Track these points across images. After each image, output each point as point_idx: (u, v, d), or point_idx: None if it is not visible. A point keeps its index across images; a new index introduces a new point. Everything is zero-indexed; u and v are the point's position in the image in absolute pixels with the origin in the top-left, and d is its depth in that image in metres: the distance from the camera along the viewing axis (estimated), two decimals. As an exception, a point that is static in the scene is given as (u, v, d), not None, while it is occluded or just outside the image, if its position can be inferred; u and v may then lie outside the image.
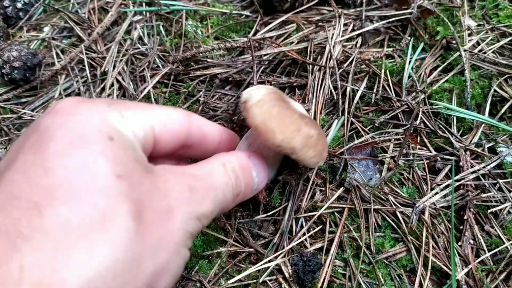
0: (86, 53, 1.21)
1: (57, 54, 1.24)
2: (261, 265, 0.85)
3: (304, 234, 0.90)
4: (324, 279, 0.84)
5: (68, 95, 1.17)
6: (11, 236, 0.38)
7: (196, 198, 0.55)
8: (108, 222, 0.42)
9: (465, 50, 1.08)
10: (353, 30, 1.21)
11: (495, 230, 0.88)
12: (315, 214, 0.91)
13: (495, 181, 0.93)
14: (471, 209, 0.90)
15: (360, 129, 1.01)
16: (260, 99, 0.71)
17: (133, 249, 0.43)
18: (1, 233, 0.38)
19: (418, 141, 1.00)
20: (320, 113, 1.02)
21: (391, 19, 1.21)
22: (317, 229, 0.91)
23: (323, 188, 0.95)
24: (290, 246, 0.87)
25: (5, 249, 0.37)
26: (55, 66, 1.20)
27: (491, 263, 0.86)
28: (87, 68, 1.18)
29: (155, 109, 0.61)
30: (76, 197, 0.41)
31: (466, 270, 0.84)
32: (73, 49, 1.23)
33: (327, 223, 0.91)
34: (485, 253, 0.86)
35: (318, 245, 0.90)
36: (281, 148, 0.68)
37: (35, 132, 0.47)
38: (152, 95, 1.10)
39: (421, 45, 1.15)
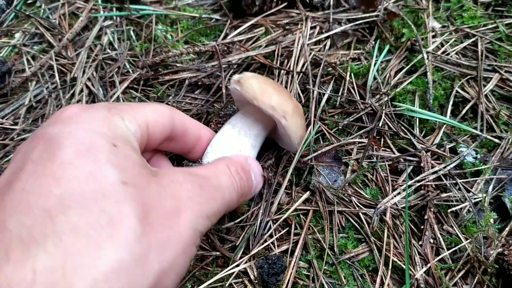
0: (56, 59, 1.21)
1: (27, 60, 1.24)
2: (228, 270, 0.86)
3: (270, 237, 0.92)
4: (289, 280, 0.86)
5: (38, 101, 1.17)
6: (25, 242, 0.40)
7: (205, 196, 0.58)
8: (115, 226, 0.44)
9: (428, 52, 1.11)
10: (321, 32, 1.23)
11: (454, 229, 0.91)
12: (281, 217, 0.93)
13: (455, 181, 0.95)
14: (431, 209, 0.92)
15: (326, 132, 1.03)
16: (253, 75, 0.81)
17: (138, 248, 0.45)
18: (16, 240, 0.41)
19: (382, 143, 1.02)
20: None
21: (358, 22, 1.23)
22: (283, 231, 0.93)
23: (289, 191, 0.97)
24: (256, 250, 0.89)
25: (19, 255, 0.40)
26: (25, 73, 1.20)
27: (450, 261, 0.88)
28: (56, 74, 1.18)
29: (145, 107, 0.64)
30: (85, 205, 0.44)
31: (425, 268, 0.86)
32: (43, 55, 1.23)
33: (293, 225, 0.93)
34: (445, 252, 0.89)
35: (284, 247, 0.91)
36: (274, 111, 0.75)
37: (42, 141, 0.50)
38: (121, 101, 1.11)
39: (387, 47, 1.17)
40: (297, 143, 0.85)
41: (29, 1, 1.38)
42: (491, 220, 0.88)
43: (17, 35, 1.32)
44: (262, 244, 0.90)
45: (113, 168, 0.48)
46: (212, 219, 0.60)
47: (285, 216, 0.92)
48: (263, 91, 0.76)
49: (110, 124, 0.55)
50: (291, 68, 1.09)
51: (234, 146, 0.81)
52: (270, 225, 0.93)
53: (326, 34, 1.21)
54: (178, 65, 1.17)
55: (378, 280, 0.86)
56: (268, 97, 0.75)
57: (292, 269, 0.87)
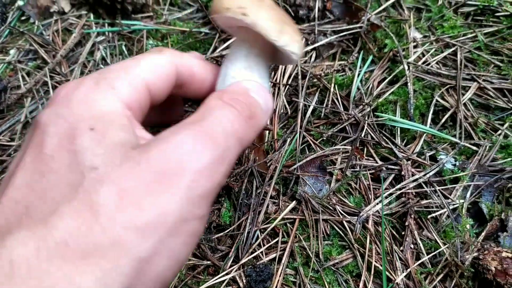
0: (50, 76, 1.25)
1: (22, 77, 1.28)
2: (218, 278, 0.91)
3: (259, 246, 0.96)
4: (276, 287, 0.91)
5: (34, 117, 1.21)
6: (1, 232, 0.42)
7: (198, 147, 0.49)
8: (93, 213, 0.44)
9: (408, 63, 1.15)
10: (307, 44, 1.27)
11: (433, 234, 0.95)
12: (269, 226, 0.97)
13: (436, 188, 0.99)
14: (412, 215, 0.96)
15: (311, 142, 1.07)
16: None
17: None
18: None
19: (365, 152, 1.06)
20: (274, 126, 1.08)
21: (343, 33, 1.27)
22: (271, 240, 0.98)
23: (276, 200, 1.01)
24: (245, 259, 0.93)
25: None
26: (20, 89, 1.24)
27: (430, 265, 0.93)
28: (51, 90, 1.22)
29: (142, 64, 0.59)
30: (56, 198, 0.45)
31: (405, 273, 0.91)
32: (38, 72, 1.27)
33: (280, 234, 0.97)
34: (425, 256, 0.93)
35: (272, 255, 0.96)
36: (229, 11, 0.64)
37: (35, 129, 0.51)
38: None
39: (370, 58, 1.21)
40: (279, 39, 0.67)
41: (23, 18, 1.42)
42: (467, 226, 0.93)
43: (11, 52, 1.35)
44: (251, 253, 0.95)
45: (86, 153, 0.47)
46: (215, 170, 0.50)
47: (272, 225, 0.97)
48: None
49: (92, 102, 0.52)
50: (278, 81, 1.13)
51: (229, 75, 0.71)
52: (258, 235, 0.97)
53: (312, 46, 1.25)
54: (168, 79, 1.21)
55: (361, 285, 0.91)
56: (221, 1, 0.66)
57: (280, 276, 0.92)
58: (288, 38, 0.68)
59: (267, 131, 1.06)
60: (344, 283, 0.92)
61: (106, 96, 0.54)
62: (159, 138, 0.50)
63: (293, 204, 1.00)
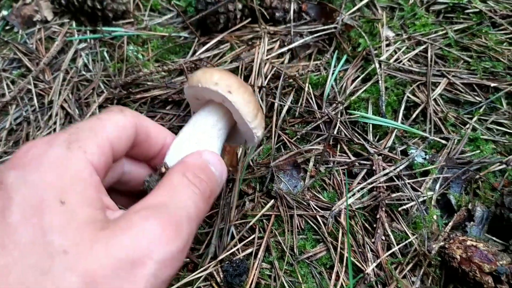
0: (34, 84, 1.28)
1: (7, 85, 1.31)
2: (196, 274, 0.94)
3: (236, 242, 0.99)
4: (252, 280, 0.94)
5: (19, 124, 1.24)
6: None
7: (165, 238, 0.51)
8: None
9: (380, 61, 1.18)
10: (283, 45, 1.30)
11: (403, 226, 0.98)
12: (246, 223, 1.00)
13: (405, 181, 1.03)
14: (383, 208, 1.00)
15: (287, 141, 1.11)
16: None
17: None
18: None
19: (338, 148, 1.10)
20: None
21: (319, 33, 1.30)
22: (247, 236, 1.01)
23: (253, 197, 1.05)
24: (223, 255, 0.96)
25: None
26: (5, 97, 1.27)
27: (400, 256, 0.96)
28: (35, 97, 1.26)
29: (107, 125, 0.61)
30: (23, 281, 0.43)
31: (375, 263, 0.94)
32: (22, 80, 1.30)
33: (257, 230, 1.01)
34: (395, 247, 0.97)
35: (249, 251, 0.99)
36: (217, 85, 0.74)
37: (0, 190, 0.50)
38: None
39: (345, 57, 1.25)
40: (252, 122, 0.79)
41: (7, 28, 1.45)
42: (434, 217, 0.96)
43: (-3, 61, 1.39)
44: (229, 250, 0.98)
45: (54, 233, 0.46)
46: (177, 259, 0.53)
47: (251, 223, 1.00)
48: (205, 72, 0.76)
49: (63, 169, 0.52)
50: (253, 83, 1.17)
51: (192, 141, 0.79)
52: (234, 232, 1.01)
53: (289, 47, 1.29)
54: (149, 83, 1.24)
55: (333, 276, 0.94)
56: (210, 75, 0.75)
57: (256, 270, 0.95)
58: (258, 123, 0.80)
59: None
60: (318, 275, 0.96)
61: (78, 161, 0.54)
62: (127, 220, 0.52)
63: (271, 202, 1.03)
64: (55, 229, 0.47)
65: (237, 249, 0.99)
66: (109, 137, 0.60)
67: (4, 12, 1.48)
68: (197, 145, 0.77)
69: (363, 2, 1.35)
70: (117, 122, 0.63)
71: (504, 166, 1.04)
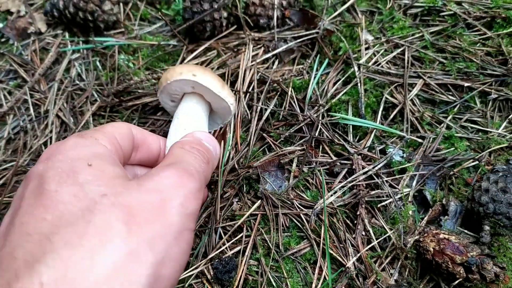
0: (30, 94, 1.34)
1: (4, 96, 1.37)
2: (188, 272, 1.00)
3: (225, 241, 1.05)
4: (241, 277, 1.00)
5: (17, 133, 1.30)
6: (29, 263, 0.48)
7: (184, 180, 0.63)
8: (102, 233, 0.51)
9: (359, 64, 1.24)
10: (268, 51, 1.36)
11: (381, 221, 1.04)
12: (234, 223, 1.06)
13: (383, 179, 1.09)
14: (363, 205, 1.06)
15: (271, 143, 1.16)
16: None
17: (127, 248, 0.52)
18: (22, 263, 0.49)
19: (320, 149, 1.16)
20: (237, 130, 1.18)
21: (302, 39, 1.36)
22: (236, 235, 1.07)
23: (240, 198, 1.11)
24: (213, 254, 1.02)
25: (26, 273, 0.47)
26: (2, 108, 1.33)
27: (379, 250, 1.02)
28: (31, 107, 1.31)
29: (107, 126, 0.74)
30: (74, 222, 0.52)
31: (355, 257, 1.00)
32: (18, 91, 1.36)
33: (244, 229, 1.07)
34: (374, 242, 1.03)
35: (237, 249, 1.05)
36: (181, 75, 0.89)
37: (31, 180, 0.60)
38: (91, 127, 1.24)
39: (326, 61, 1.30)
40: (221, 92, 0.92)
41: (2, 40, 1.50)
42: (410, 212, 1.02)
43: (-7, 72, 1.44)
44: (218, 248, 1.04)
45: (91, 184, 0.56)
46: (198, 195, 0.64)
47: (239, 223, 1.06)
48: (168, 71, 0.91)
49: (83, 147, 0.63)
50: (238, 88, 1.22)
51: (180, 130, 0.91)
52: (222, 231, 1.07)
53: (273, 52, 1.34)
54: (140, 91, 1.30)
55: (317, 270, 1.00)
56: (173, 70, 0.90)
57: (244, 266, 1.01)
58: (227, 93, 0.95)
59: (228, 136, 1.16)
60: (302, 270, 1.02)
61: (93, 143, 0.66)
62: (149, 174, 0.63)
63: (258, 203, 1.08)
64: (90, 182, 0.56)
65: (226, 248, 1.05)
66: (112, 132, 0.72)
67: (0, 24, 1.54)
68: (186, 130, 0.89)
69: (344, 7, 1.40)
70: (114, 125, 0.76)
71: (477, 162, 1.10)
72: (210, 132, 1.08)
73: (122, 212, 0.54)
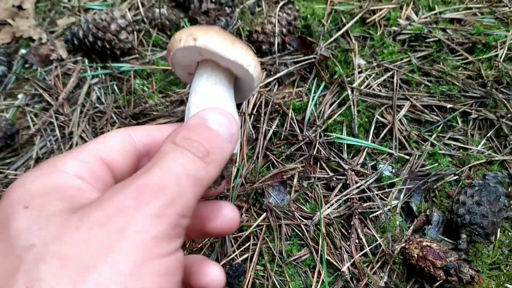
0: (55, 117, 1.48)
1: (31, 118, 1.51)
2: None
3: (235, 250, 1.19)
4: (249, 281, 1.14)
5: (44, 153, 1.44)
6: None
7: (142, 199, 0.48)
8: None
9: (353, 88, 1.38)
10: (270, 75, 1.50)
11: (372, 231, 1.18)
12: (243, 234, 1.20)
13: (374, 193, 1.23)
14: (356, 216, 1.20)
15: (274, 161, 1.30)
16: None
17: None
18: None
19: (318, 166, 1.29)
20: (244, 148, 1.32)
21: (301, 63, 1.50)
22: (245, 243, 1.21)
23: (243, 211, 1.24)
24: (224, 261, 1.16)
25: None
26: (30, 130, 1.47)
27: (371, 256, 1.16)
28: (57, 129, 1.46)
29: (97, 141, 0.63)
30: (5, 280, 0.44)
31: (350, 263, 1.14)
32: (44, 114, 1.50)
33: (251, 238, 1.21)
34: (367, 248, 1.16)
35: (246, 256, 1.19)
36: (181, 42, 0.71)
37: None
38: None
39: (323, 84, 1.44)
40: (230, 54, 0.70)
41: (26, 65, 1.65)
42: (397, 222, 1.16)
43: (19, 96, 1.58)
44: (229, 256, 1.18)
45: (21, 236, 0.47)
46: (170, 211, 0.48)
47: (247, 233, 1.20)
48: (172, 38, 0.74)
49: (29, 183, 0.53)
50: (244, 111, 1.37)
51: (192, 107, 0.74)
52: (233, 241, 1.20)
53: (275, 76, 1.48)
54: (154, 113, 1.44)
55: (315, 274, 1.14)
56: (175, 37, 0.73)
57: (251, 271, 1.15)
58: (239, 51, 0.70)
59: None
60: (303, 274, 1.15)
61: (46, 172, 0.55)
62: (102, 198, 0.50)
63: (264, 215, 1.22)
64: (21, 231, 0.47)
65: (236, 255, 1.18)
66: (96, 150, 0.61)
67: (23, 51, 1.68)
68: (198, 108, 0.72)
69: (339, 33, 1.54)
70: (107, 135, 0.65)
71: (457, 177, 1.23)
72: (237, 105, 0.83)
73: (52, 266, 0.43)
